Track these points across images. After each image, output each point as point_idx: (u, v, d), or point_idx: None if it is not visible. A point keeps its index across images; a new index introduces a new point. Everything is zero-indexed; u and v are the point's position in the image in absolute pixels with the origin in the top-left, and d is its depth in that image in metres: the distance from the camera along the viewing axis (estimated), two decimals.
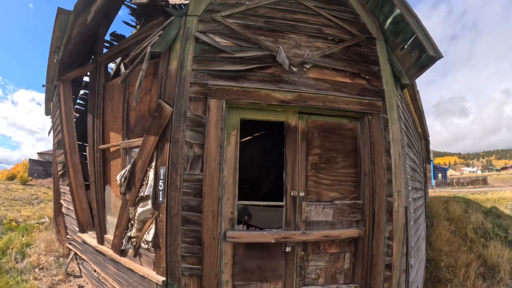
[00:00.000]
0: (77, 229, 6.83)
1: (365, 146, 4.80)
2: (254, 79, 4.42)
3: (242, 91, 4.31)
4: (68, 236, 7.72)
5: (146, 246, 4.48)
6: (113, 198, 5.56)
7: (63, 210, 7.83)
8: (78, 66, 6.96)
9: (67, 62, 6.82)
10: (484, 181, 35.47)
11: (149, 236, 4.40)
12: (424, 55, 5.14)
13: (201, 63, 4.42)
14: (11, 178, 25.42)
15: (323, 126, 4.63)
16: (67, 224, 7.73)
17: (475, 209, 12.24)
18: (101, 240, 5.89)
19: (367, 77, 5.02)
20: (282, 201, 4.38)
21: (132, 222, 4.74)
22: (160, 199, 4.20)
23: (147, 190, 4.37)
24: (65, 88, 7.03)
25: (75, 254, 7.32)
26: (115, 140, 5.53)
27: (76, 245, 7.12)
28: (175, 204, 4.08)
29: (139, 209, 4.49)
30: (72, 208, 6.87)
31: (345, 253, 4.69)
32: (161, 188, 4.18)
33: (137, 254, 4.80)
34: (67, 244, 7.73)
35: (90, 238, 6.30)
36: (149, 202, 4.34)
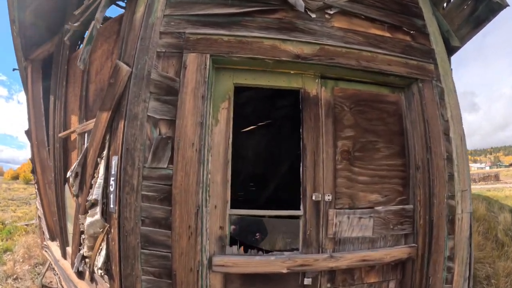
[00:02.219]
0: (48, 235, 5.17)
1: (414, 127, 3.00)
2: (254, 26, 2.66)
3: (237, 42, 2.56)
4: (44, 243, 6.07)
5: (99, 272, 2.76)
6: (71, 201, 3.86)
7: (38, 212, 6.18)
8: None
9: (34, 37, 5.15)
10: (496, 177, 32.81)
11: (100, 259, 2.68)
12: (481, 5, 3.36)
13: (177, 7, 2.67)
14: (16, 177, 24.07)
15: (356, 97, 2.85)
16: (44, 229, 6.08)
17: (499, 208, 10.27)
18: (63, 253, 4.20)
19: (411, 32, 3.22)
20: (298, 208, 2.61)
21: (83, 236, 3.02)
22: (111, 205, 2.48)
23: (95, 192, 2.64)
24: (34, 69, 5.35)
25: (51, 263, 5.66)
26: (76, 124, 3.84)
27: (50, 253, 5.46)
28: (130, 214, 2.35)
29: (88, 219, 2.77)
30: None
31: (388, 282, 2.89)
32: (112, 190, 2.46)
33: (93, 279, 3.09)
34: (43, 251, 6.08)
35: (57, 248, 4.62)
36: (98, 209, 2.62)
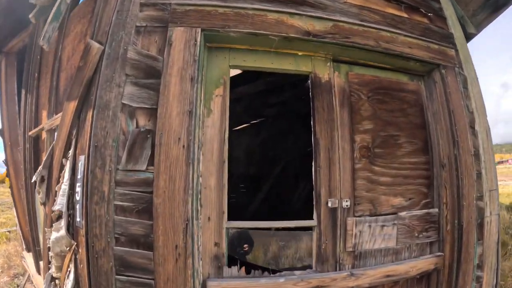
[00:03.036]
0: (24, 245, 4.50)
1: (437, 119, 2.51)
2: None
3: (235, 15, 2.00)
4: (23, 253, 5.36)
5: None
6: (42, 209, 3.24)
7: (16, 219, 5.48)
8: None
9: (8, 27, 4.48)
10: None
11: (69, 283, 2.08)
12: None
13: None
14: (2, 181, 22.58)
15: (373, 85, 2.33)
16: (21, 238, 5.38)
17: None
18: (37, 267, 3.56)
19: (428, 14, 2.74)
20: (311, 217, 2.05)
21: (50, 253, 2.41)
22: (77, 219, 1.89)
23: (59, 202, 2.03)
24: (8, 62, 4.67)
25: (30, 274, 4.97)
26: (46, 120, 3.21)
27: (27, 265, 4.77)
28: (101, 230, 1.76)
29: (53, 235, 2.15)
30: None
31: None
32: (77, 199, 1.88)
33: None
34: (23, 261, 5.38)
35: (32, 261, 3.96)
36: (63, 223, 2.03)
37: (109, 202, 1.79)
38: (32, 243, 3.52)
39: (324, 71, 2.17)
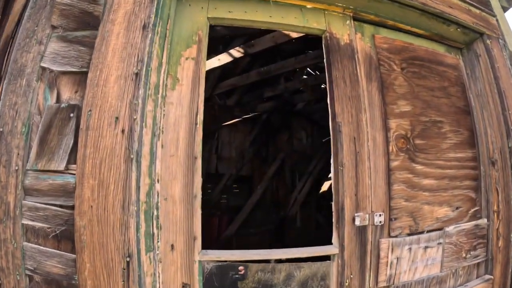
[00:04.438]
0: None
1: (484, 103, 1.84)
2: None
3: None
4: None
5: None
6: None
7: None
8: None
9: None
10: None
11: None
12: None
13: None
14: None
15: (407, 53, 1.66)
16: None
17: None
18: None
19: None
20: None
21: None
22: None
23: None
24: None
25: None
26: None
27: None
28: (7, 262, 1.07)
29: None
30: None
31: None
32: None
33: None
34: None
35: None
36: None
37: (15, 220, 1.08)
38: None
39: (343, 31, 1.48)
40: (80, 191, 0.96)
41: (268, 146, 6.06)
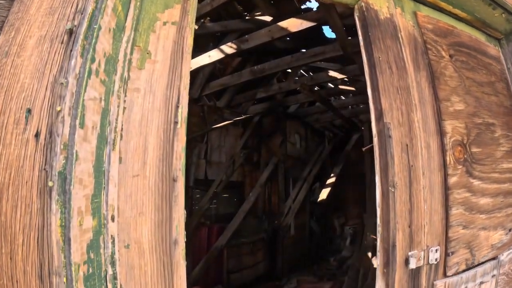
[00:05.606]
0: None
1: None
2: None
3: None
4: None
5: None
6: None
7: None
8: None
9: None
10: None
11: None
12: None
13: None
14: None
15: (452, 37, 1.27)
16: None
17: None
18: None
19: None
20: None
21: None
22: None
23: None
24: None
25: None
26: None
27: None
28: None
29: None
30: None
31: None
32: None
33: None
34: None
35: None
36: None
37: None
38: None
39: (381, 2, 1.09)
40: None
41: (260, 150, 5.64)
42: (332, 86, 5.03)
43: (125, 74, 0.69)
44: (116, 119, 0.64)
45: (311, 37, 3.75)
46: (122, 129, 0.65)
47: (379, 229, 0.85)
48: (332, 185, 5.14)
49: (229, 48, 3.48)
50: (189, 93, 0.79)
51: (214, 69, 4.61)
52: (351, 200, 5.67)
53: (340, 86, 4.65)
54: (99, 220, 0.60)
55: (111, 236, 0.63)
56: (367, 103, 0.94)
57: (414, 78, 1.02)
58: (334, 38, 3.70)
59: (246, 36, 3.31)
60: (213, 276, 4.24)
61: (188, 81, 0.72)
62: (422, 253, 0.92)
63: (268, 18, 3.36)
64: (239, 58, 4.65)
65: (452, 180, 1.01)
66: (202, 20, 3.78)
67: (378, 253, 0.87)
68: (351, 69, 3.93)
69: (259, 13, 3.63)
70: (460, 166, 1.05)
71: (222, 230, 4.44)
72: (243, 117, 4.76)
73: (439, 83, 1.08)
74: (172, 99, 0.67)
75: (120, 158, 0.63)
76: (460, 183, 1.05)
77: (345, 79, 4.52)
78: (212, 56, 3.61)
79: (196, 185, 4.53)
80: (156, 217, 0.62)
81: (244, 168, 5.27)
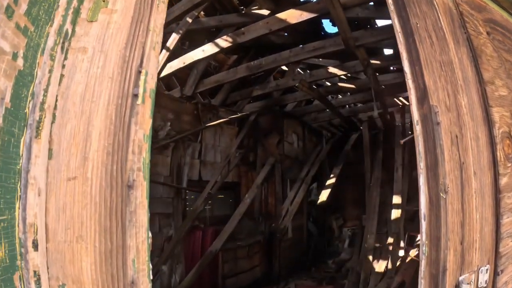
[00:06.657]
0: None
1: None
2: None
3: None
4: None
5: None
6: None
7: None
8: None
9: None
10: None
11: None
12: None
13: None
14: None
15: (485, 14, 1.06)
16: None
17: None
18: None
19: None
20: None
21: None
22: None
23: None
24: None
25: None
26: None
27: None
28: None
29: None
30: None
31: None
32: None
33: None
34: None
35: None
36: None
37: None
38: None
39: None
40: None
41: (256, 150, 5.38)
42: (330, 84, 4.84)
43: (67, 27, 0.46)
44: (45, 90, 0.40)
45: (310, 31, 3.55)
46: (55, 106, 0.41)
47: (425, 249, 0.62)
48: (331, 186, 4.94)
49: (224, 41, 3.25)
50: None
51: (209, 67, 4.37)
52: (349, 201, 5.47)
53: (339, 84, 4.45)
54: (11, 249, 0.37)
55: (34, 272, 0.39)
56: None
57: (456, 54, 0.80)
58: (334, 33, 3.51)
59: (243, 29, 3.08)
60: (208, 281, 3.98)
61: (161, 39, 0.48)
62: (473, 275, 0.70)
63: (265, 12, 3.14)
64: (235, 56, 4.42)
65: (503, 181, 0.79)
66: (196, 14, 3.54)
67: (421, 280, 0.64)
68: (351, 65, 3.73)
69: (256, 7, 3.40)
70: (510, 164, 0.84)
71: (217, 233, 4.18)
72: (239, 115, 4.52)
73: (482, 62, 0.87)
74: (133, 61, 0.44)
75: (50, 151, 0.40)
76: (510, 184, 0.83)
77: (343, 76, 4.34)
78: (206, 50, 3.37)
79: (189, 186, 4.27)
80: (102, 244, 0.38)
81: (239, 168, 5.01)
